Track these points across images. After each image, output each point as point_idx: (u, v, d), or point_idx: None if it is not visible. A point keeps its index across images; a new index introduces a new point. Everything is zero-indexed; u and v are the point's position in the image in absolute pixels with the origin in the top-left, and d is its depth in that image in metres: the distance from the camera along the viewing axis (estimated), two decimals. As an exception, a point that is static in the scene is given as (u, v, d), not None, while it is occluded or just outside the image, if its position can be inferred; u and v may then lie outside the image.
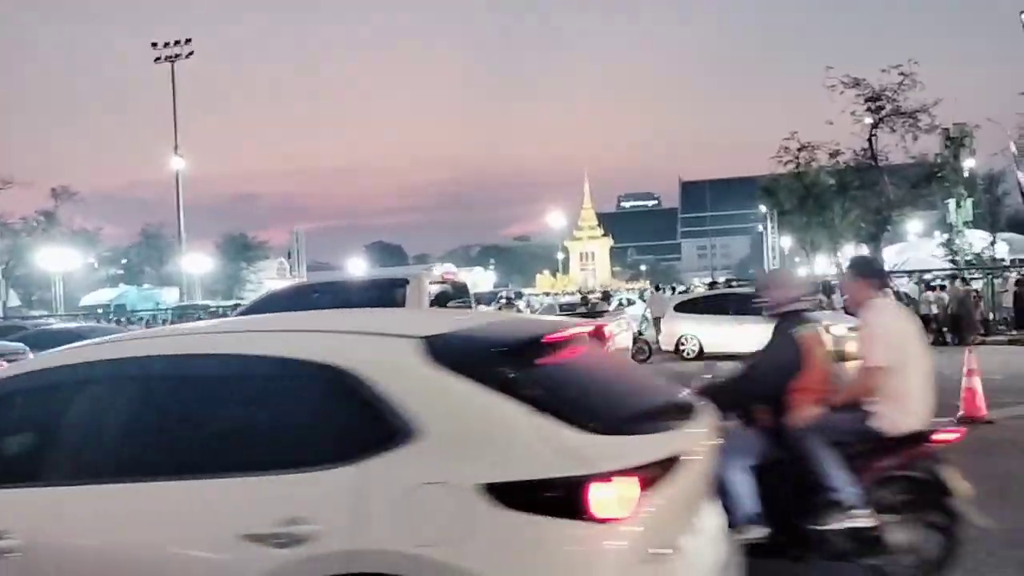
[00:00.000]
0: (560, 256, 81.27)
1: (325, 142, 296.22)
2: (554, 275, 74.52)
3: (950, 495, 4.51)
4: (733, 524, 4.23)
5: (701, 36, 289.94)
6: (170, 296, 47.96)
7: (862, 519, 4.47)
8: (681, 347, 20.03)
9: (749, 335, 20.27)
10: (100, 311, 42.28)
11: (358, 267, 61.66)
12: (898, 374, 4.65)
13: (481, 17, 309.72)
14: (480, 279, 65.08)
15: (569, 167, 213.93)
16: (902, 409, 4.65)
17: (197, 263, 47.86)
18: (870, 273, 5.11)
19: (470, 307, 10.82)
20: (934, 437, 4.66)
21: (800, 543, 4.60)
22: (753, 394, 4.91)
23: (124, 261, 69.07)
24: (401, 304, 8.93)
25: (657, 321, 21.98)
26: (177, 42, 42.95)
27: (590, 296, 32.68)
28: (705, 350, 19.37)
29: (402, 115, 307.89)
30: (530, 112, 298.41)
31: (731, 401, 4.72)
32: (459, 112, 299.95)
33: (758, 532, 4.47)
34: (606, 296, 30.46)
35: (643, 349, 20.00)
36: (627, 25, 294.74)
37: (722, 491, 4.13)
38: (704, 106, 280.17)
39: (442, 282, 10.20)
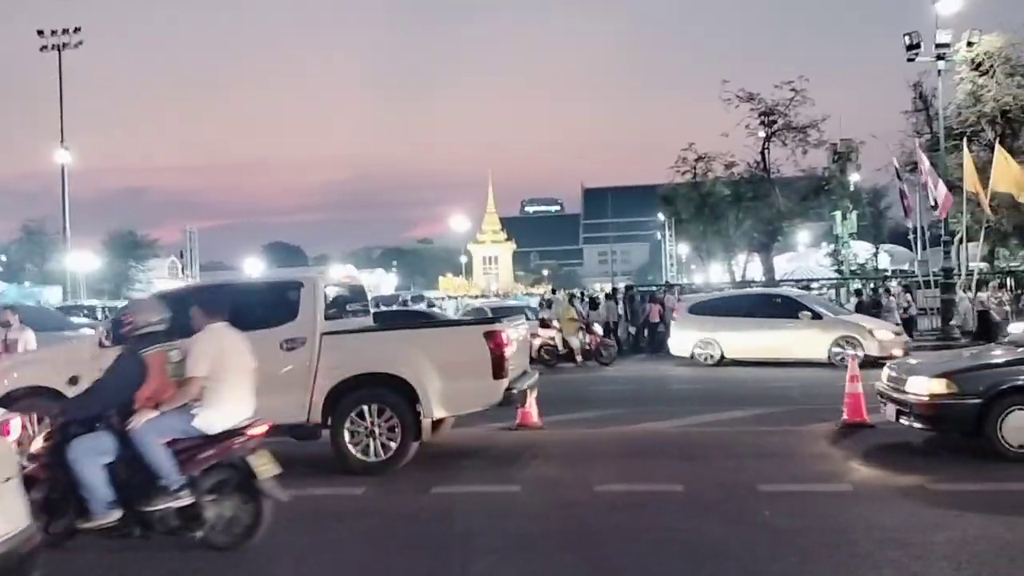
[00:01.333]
0: (463, 259, 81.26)
1: (222, 138, 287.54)
2: (457, 277, 74.44)
3: (257, 477, 5.79)
4: (92, 512, 5.62)
5: (605, 43, 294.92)
6: (52, 295, 45.53)
7: (183, 500, 5.68)
8: (698, 352, 18.65)
9: (778, 340, 17.60)
10: (-25, 310, 39.73)
11: (255, 267, 59.97)
12: (217, 384, 5.97)
13: (385, 15, 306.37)
14: (382, 281, 64.37)
15: (473, 170, 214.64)
16: (219, 412, 5.93)
17: (82, 261, 45.62)
18: (206, 305, 6.44)
19: (368, 311, 10.60)
20: (248, 432, 5.95)
21: (143, 523, 5.72)
22: (107, 402, 5.92)
23: (3, 258, 65.33)
24: (295, 307, 8.67)
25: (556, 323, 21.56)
26: (65, 31, 40.88)
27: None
28: (727, 356, 18.32)
29: (302, 112, 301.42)
30: (434, 114, 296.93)
31: (91, 408, 5.94)
32: (361, 111, 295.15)
33: (112, 516, 5.65)
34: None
35: (550, 352, 19.77)
36: (532, 28, 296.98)
37: (80, 484, 5.59)
38: (607, 113, 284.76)
39: (338, 284, 9.96)
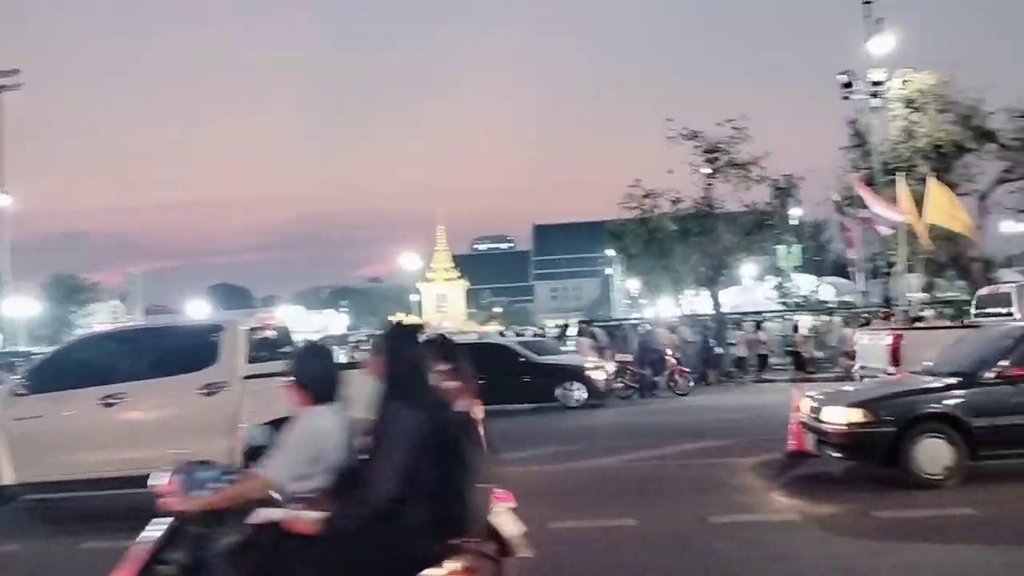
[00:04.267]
0: (414, 298, 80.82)
1: (165, 178, 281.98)
2: (408, 316, 73.99)
3: None
4: None
5: (551, 83, 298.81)
6: (-9, 342, 44.21)
7: None
8: None
9: None
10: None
11: (200, 310, 58.98)
12: None
13: (332, 52, 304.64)
14: (332, 321, 63.74)
15: (423, 208, 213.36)
16: None
17: (22, 307, 44.44)
18: None
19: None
20: None
21: None
22: None
23: (-61, 305, 63.28)
24: (215, 350, 8.52)
25: None
26: (4, 73, 40.22)
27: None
28: None
29: (247, 150, 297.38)
30: (382, 151, 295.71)
31: None
32: (307, 148, 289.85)
33: None
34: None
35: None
36: (480, 66, 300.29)
37: None
38: (556, 151, 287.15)
39: (262, 327, 9.78)
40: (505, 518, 4.86)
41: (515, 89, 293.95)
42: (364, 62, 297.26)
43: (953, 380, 8.47)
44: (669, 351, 21.43)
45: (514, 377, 17.80)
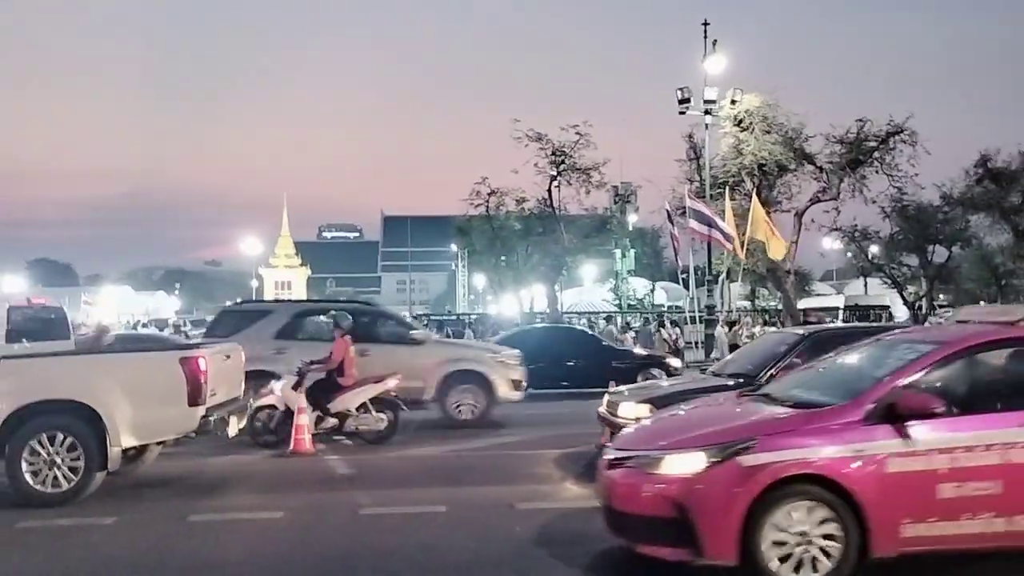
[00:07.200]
0: (254, 283, 78.47)
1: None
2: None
3: None
4: None
5: (403, 74, 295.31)
6: None
7: None
8: None
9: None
10: None
11: (16, 286, 54.90)
12: None
13: (174, 22, 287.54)
14: (162, 304, 60.85)
15: (268, 192, 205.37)
16: None
17: None
18: None
19: (68, 335, 10.12)
20: None
21: None
22: None
23: None
24: None
25: None
26: None
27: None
28: None
29: (74, 119, 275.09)
30: (226, 130, 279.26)
31: None
32: (142, 122, 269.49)
33: None
34: None
35: None
36: (332, 51, 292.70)
37: None
38: (408, 142, 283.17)
39: (30, 307, 9.38)
40: None
41: (366, 77, 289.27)
42: (213, 38, 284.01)
43: (733, 382, 9.21)
44: None
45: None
